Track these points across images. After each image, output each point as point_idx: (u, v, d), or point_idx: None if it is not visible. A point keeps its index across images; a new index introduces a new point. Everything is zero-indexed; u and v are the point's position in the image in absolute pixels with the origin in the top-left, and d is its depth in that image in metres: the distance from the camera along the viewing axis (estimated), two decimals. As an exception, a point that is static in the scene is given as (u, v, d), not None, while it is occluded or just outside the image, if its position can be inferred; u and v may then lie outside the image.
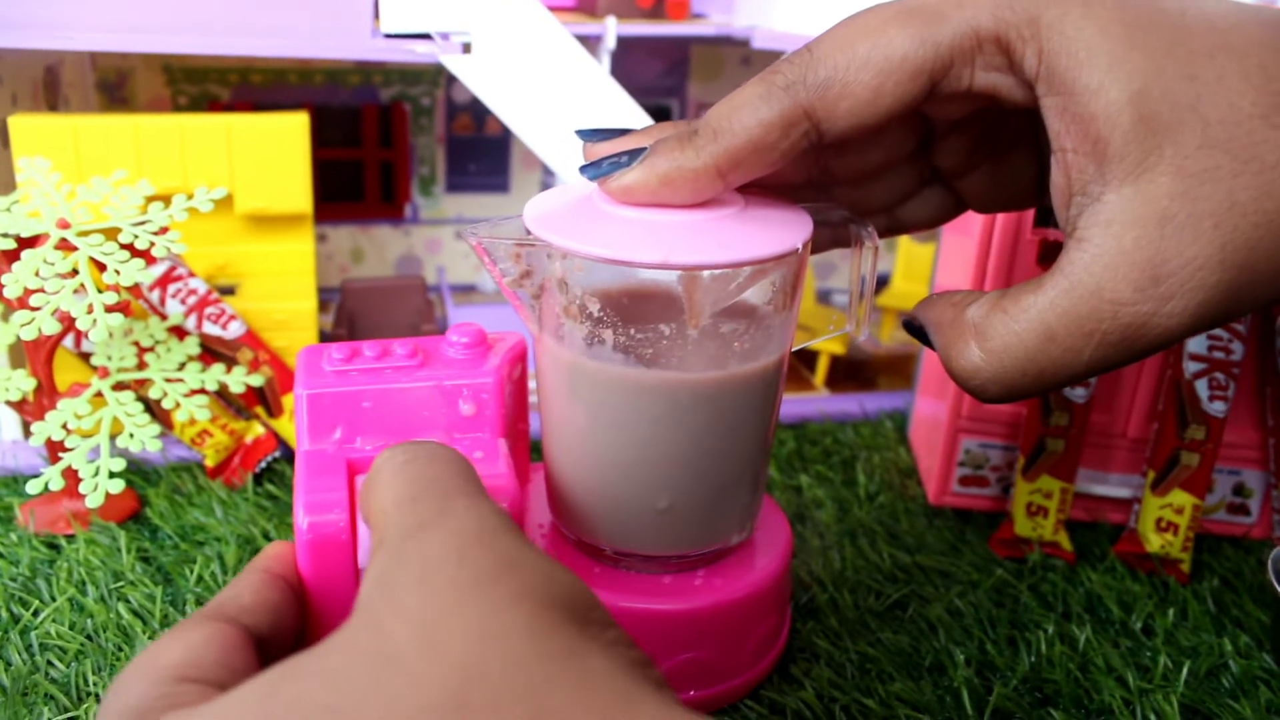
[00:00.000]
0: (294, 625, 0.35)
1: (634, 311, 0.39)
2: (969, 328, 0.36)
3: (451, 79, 0.87)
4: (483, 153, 0.90)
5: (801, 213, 0.41)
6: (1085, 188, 0.33)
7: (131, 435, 0.53)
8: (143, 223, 0.53)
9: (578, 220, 0.39)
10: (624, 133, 0.40)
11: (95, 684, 0.44)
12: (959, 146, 0.41)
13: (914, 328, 0.40)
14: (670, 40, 0.88)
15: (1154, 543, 0.57)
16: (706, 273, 0.37)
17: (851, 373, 0.84)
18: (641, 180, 0.38)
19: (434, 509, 0.29)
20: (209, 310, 0.59)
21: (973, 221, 0.59)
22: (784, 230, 0.39)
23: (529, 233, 0.39)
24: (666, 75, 0.89)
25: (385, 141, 0.88)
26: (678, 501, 0.42)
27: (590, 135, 0.41)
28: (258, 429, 0.61)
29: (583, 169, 0.39)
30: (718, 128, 0.36)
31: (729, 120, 0.36)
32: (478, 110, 0.88)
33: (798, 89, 0.35)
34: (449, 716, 0.24)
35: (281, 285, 0.65)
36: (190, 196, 0.55)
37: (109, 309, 0.49)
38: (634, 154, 0.38)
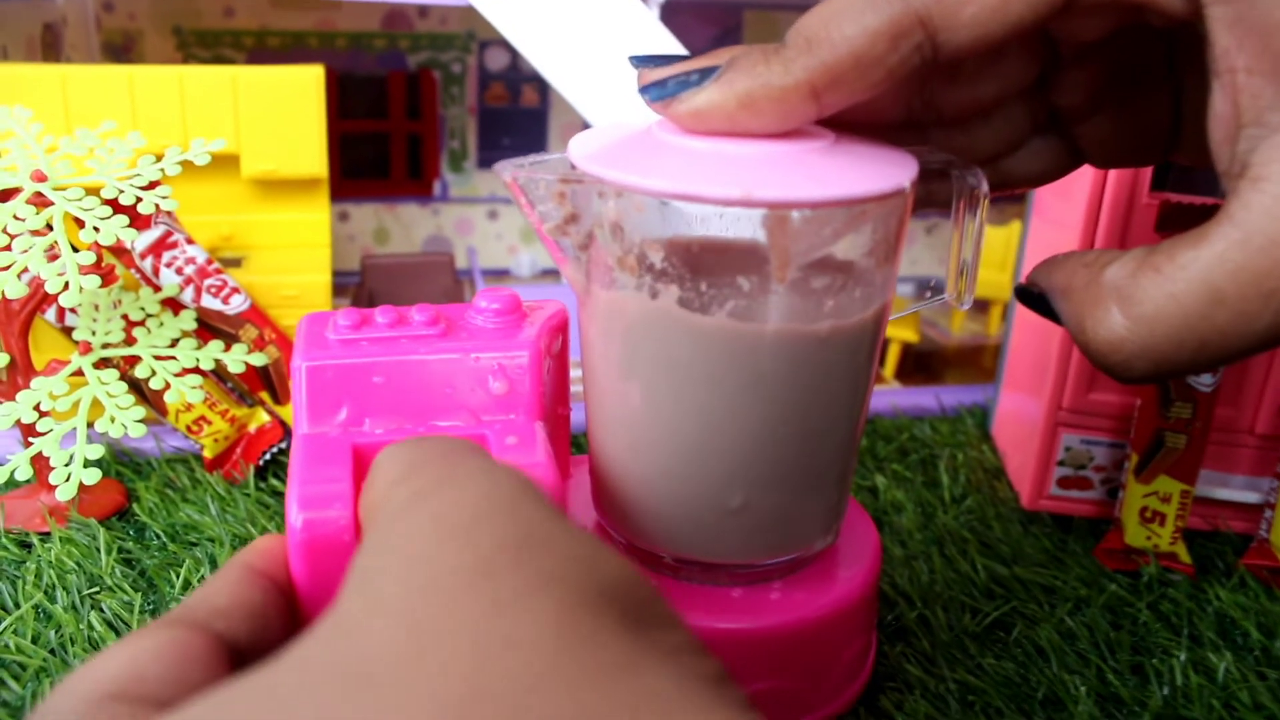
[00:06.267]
0: (281, 633, 0.29)
1: (705, 263, 0.31)
2: (1110, 291, 0.29)
3: (485, 45, 0.80)
4: (518, 125, 0.83)
5: (903, 151, 0.33)
6: (1261, 116, 0.27)
7: (113, 419, 0.46)
8: (130, 177, 0.47)
9: (635, 153, 0.32)
10: (686, 59, 0.33)
11: (58, 709, 0.37)
12: (1084, 81, 0.34)
13: (1032, 295, 0.33)
14: (722, 2, 0.80)
15: (1290, 555, 0.49)
16: (796, 213, 0.30)
17: (920, 365, 0.76)
18: (716, 101, 0.31)
19: (432, 478, 0.23)
20: (208, 282, 0.52)
21: (1073, 187, 0.51)
22: (886, 167, 0.32)
23: (575, 169, 0.32)
24: (717, 43, 0.82)
25: (413, 113, 0.81)
26: (754, 498, 0.34)
27: (647, 61, 0.34)
28: (262, 416, 0.54)
29: (643, 90, 0.32)
30: (812, 37, 0.30)
31: (827, 29, 0.30)
32: (512, 79, 0.81)
33: None
34: None
35: (293, 258, 0.59)
36: (185, 149, 0.49)
37: (84, 270, 0.43)
38: (705, 72, 0.31)
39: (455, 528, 0.21)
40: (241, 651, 0.26)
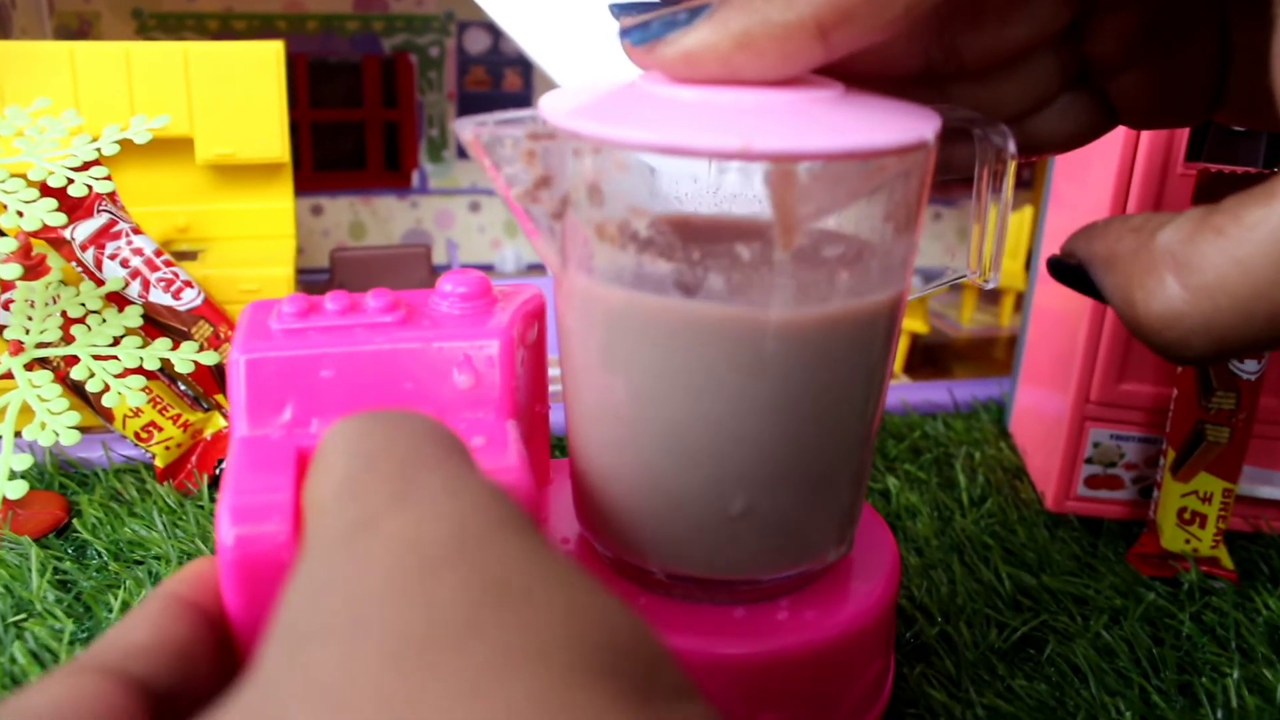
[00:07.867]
0: (212, 671, 0.25)
1: (699, 230, 0.27)
2: (1163, 258, 0.25)
3: (464, 26, 0.76)
4: (500, 111, 0.78)
5: (921, 106, 0.29)
6: None
7: (43, 425, 0.41)
8: (62, 158, 0.42)
9: (615, 105, 0.27)
10: (670, 5, 0.29)
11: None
12: (1121, 28, 0.30)
13: (1067, 268, 0.29)
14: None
15: (1344, 558, 0.45)
16: (804, 167, 0.25)
17: (928, 358, 0.72)
18: (709, 41, 0.26)
19: (385, 493, 0.19)
20: (157, 275, 0.48)
21: (1098, 159, 0.47)
22: (905, 118, 0.27)
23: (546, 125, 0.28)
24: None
25: (389, 100, 0.77)
26: (758, 503, 0.30)
27: (626, 9, 0.30)
28: (219, 422, 0.50)
29: (623, 33, 0.28)
30: None
31: None
32: (494, 62, 0.77)
33: None
34: None
35: (254, 249, 0.55)
36: (125, 128, 0.44)
37: (5, 259, 0.38)
38: (695, 11, 0.27)
39: (408, 577, 0.17)
40: (163, 694, 0.22)
